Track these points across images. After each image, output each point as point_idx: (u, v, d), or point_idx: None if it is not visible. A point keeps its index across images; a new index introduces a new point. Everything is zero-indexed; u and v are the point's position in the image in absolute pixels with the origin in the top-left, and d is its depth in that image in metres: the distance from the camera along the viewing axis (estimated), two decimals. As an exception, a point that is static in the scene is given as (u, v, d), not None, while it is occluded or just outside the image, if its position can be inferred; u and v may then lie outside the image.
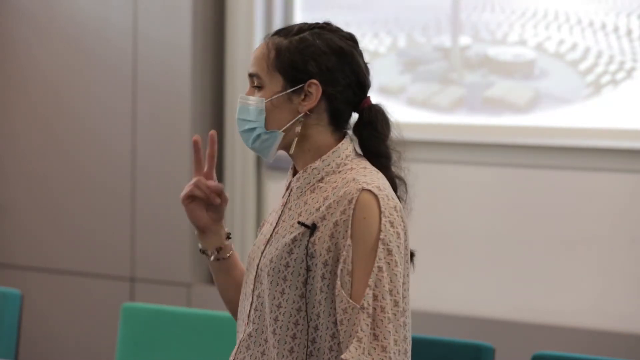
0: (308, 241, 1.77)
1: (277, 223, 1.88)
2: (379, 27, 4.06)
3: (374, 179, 1.80)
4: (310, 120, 1.85)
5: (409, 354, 1.81)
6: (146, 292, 4.17)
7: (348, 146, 1.87)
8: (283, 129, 1.84)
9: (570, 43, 3.78)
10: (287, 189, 1.92)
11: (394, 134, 1.94)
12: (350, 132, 1.91)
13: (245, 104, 1.86)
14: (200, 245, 2.04)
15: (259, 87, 1.85)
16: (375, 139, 1.88)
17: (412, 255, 1.87)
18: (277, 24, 4.15)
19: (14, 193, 4.44)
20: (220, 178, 4.24)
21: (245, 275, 1.95)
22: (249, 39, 4.10)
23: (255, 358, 1.84)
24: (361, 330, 1.71)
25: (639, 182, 3.62)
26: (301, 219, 1.80)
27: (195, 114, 4.12)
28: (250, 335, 1.86)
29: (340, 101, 1.85)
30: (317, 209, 1.79)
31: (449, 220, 3.87)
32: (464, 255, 3.85)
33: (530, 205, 3.77)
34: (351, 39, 1.88)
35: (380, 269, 1.73)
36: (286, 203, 1.89)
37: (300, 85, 1.83)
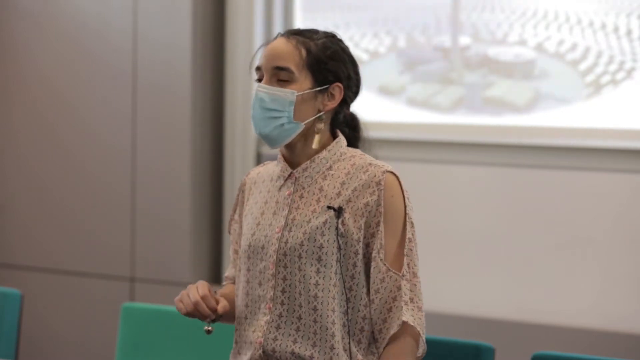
0: (338, 223, 1.97)
1: (289, 211, 2.03)
2: (379, 27, 4.06)
3: (382, 162, 2.05)
4: (326, 118, 2.06)
5: None
6: (146, 292, 4.17)
7: (342, 138, 2.10)
8: (305, 122, 2.02)
9: (570, 43, 3.78)
10: (286, 180, 2.08)
11: (370, 135, 2.17)
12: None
13: (274, 93, 2.02)
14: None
15: (287, 81, 2.02)
16: (357, 141, 2.14)
17: None
18: (277, 24, 4.16)
19: (14, 193, 4.45)
20: (220, 178, 4.24)
21: (245, 264, 2.09)
22: (249, 39, 4.11)
23: (289, 335, 2.00)
24: (405, 294, 1.96)
25: (639, 182, 3.62)
26: (322, 204, 2.00)
27: (195, 114, 4.12)
28: (280, 316, 2.01)
29: (347, 105, 2.09)
30: (338, 194, 2.00)
31: (448, 220, 3.87)
32: (464, 255, 3.85)
33: (530, 205, 3.77)
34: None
35: (410, 239, 1.99)
36: (294, 192, 2.05)
37: (326, 86, 2.03)
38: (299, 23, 4.13)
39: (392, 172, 2.01)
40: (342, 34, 2.15)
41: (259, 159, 4.16)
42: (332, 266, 1.97)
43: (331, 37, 2.08)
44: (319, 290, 1.97)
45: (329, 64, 2.03)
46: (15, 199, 4.44)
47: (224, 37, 4.18)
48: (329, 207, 1.98)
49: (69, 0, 4.28)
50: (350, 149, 2.09)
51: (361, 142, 2.13)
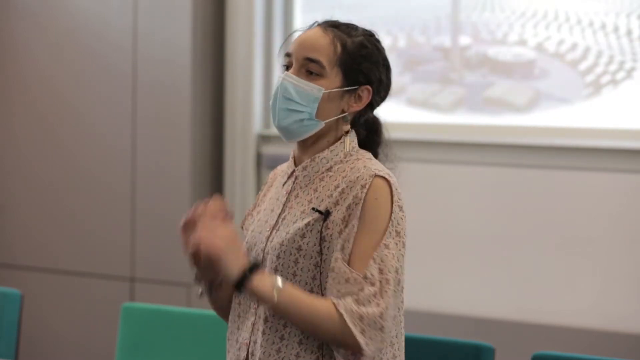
0: (321, 226, 1.84)
1: (282, 209, 1.94)
2: (378, 27, 4.02)
3: (381, 166, 1.91)
4: (344, 119, 1.95)
5: (402, 348, 1.94)
6: (146, 292, 4.17)
7: (354, 139, 1.96)
8: (327, 121, 1.92)
9: (570, 43, 3.78)
10: (289, 177, 1.98)
11: (390, 138, 2.06)
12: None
13: (299, 86, 1.91)
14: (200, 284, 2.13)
15: (317, 75, 1.91)
16: (376, 144, 2.01)
17: None
18: (277, 23, 4.15)
19: (14, 193, 4.44)
20: (220, 178, 4.24)
21: None
22: (248, 38, 4.10)
23: (273, 342, 1.88)
24: (362, 292, 1.79)
25: (639, 182, 3.62)
26: (313, 206, 1.88)
27: (195, 113, 4.12)
28: (266, 320, 1.90)
29: (373, 108, 2.00)
30: (329, 196, 1.88)
31: (448, 220, 3.87)
32: (463, 255, 3.85)
33: (530, 205, 3.77)
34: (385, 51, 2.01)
35: (386, 246, 1.82)
36: (291, 190, 1.95)
37: (355, 87, 1.93)
38: (299, 22, 4.12)
39: (383, 177, 1.86)
40: None
41: (259, 159, 4.16)
42: (309, 271, 1.85)
43: (369, 36, 1.97)
44: (301, 273, 1.87)
45: (362, 65, 1.92)
46: (15, 199, 4.44)
47: (224, 36, 4.18)
48: (314, 210, 1.86)
49: (69, 0, 4.28)
50: (362, 151, 1.96)
51: (381, 146, 2.01)
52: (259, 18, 4.13)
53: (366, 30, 1.98)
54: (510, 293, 3.78)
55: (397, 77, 4.03)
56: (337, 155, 1.93)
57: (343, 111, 1.93)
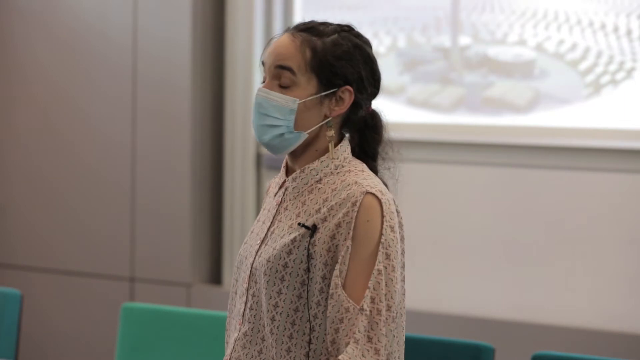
0: (308, 242, 1.77)
1: (271, 222, 1.87)
2: (378, 27, 4.06)
3: (376, 182, 1.81)
4: (332, 124, 1.85)
5: (402, 356, 1.83)
6: (146, 292, 4.17)
7: (346, 148, 1.86)
8: (309, 131, 1.83)
9: (570, 43, 3.78)
10: (280, 188, 1.91)
11: (391, 136, 1.93)
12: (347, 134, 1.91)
13: (273, 99, 1.82)
14: None
15: (288, 86, 1.82)
16: (376, 143, 1.90)
17: None
18: (277, 20, 4.15)
19: (14, 193, 4.45)
20: (220, 177, 4.24)
21: (235, 274, 1.93)
22: (249, 36, 4.11)
23: (252, 357, 1.83)
24: (359, 331, 1.72)
25: (639, 182, 3.62)
26: (300, 220, 1.80)
27: (195, 113, 4.12)
28: (245, 334, 1.85)
29: (359, 108, 1.87)
30: (317, 210, 1.79)
31: (448, 220, 3.87)
32: (463, 255, 3.85)
33: (530, 205, 3.77)
34: (369, 45, 1.88)
35: (379, 272, 1.74)
36: (281, 202, 1.88)
37: (333, 90, 1.83)
38: (299, 21, 4.12)
39: (374, 195, 1.76)
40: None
41: (259, 159, 4.16)
42: (295, 289, 1.77)
43: (344, 32, 1.84)
44: (276, 313, 1.79)
45: (336, 66, 1.81)
46: (16, 199, 4.44)
47: (224, 34, 4.18)
48: (300, 225, 1.78)
49: None
50: (355, 161, 1.85)
51: (382, 145, 1.89)
52: (259, 17, 4.13)
53: (341, 26, 1.86)
54: (510, 293, 3.78)
55: (397, 77, 4.03)
56: (327, 166, 1.83)
57: (326, 117, 1.83)
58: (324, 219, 1.77)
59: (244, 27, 4.11)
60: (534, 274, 3.75)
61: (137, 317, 2.75)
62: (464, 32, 3.95)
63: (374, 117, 1.90)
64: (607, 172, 3.66)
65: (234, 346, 1.87)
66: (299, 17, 4.15)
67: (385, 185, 1.87)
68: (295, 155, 1.87)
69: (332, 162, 1.83)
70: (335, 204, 1.77)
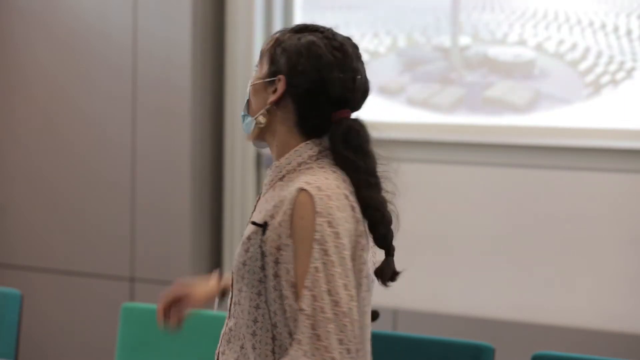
0: (260, 240, 1.77)
1: (249, 221, 1.88)
2: (378, 27, 4.06)
3: (321, 178, 1.79)
4: (278, 117, 1.86)
5: (366, 351, 1.83)
6: (146, 292, 4.17)
7: (313, 147, 1.85)
8: (255, 116, 1.88)
9: (570, 43, 3.78)
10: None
11: (370, 149, 1.87)
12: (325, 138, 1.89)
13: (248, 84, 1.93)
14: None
15: (257, 70, 1.91)
16: (339, 157, 1.84)
17: (384, 267, 1.83)
18: (277, 20, 4.15)
19: (15, 193, 4.44)
20: (220, 177, 4.24)
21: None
22: (248, 35, 4.11)
23: (235, 352, 1.85)
24: (301, 332, 1.71)
25: (639, 182, 3.62)
26: (259, 217, 1.80)
27: (195, 112, 4.12)
28: (231, 329, 1.87)
29: (305, 105, 1.84)
30: (268, 208, 1.80)
31: (448, 220, 3.87)
32: (463, 255, 3.85)
33: (530, 205, 3.77)
34: (341, 50, 1.85)
35: (316, 269, 1.72)
36: (258, 200, 1.90)
37: (273, 78, 1.86)
38: (299, 22, 4.12)
39: (307, 191, 1.74)
40: (342, 34, 1.91)
41: (259, 159, 4.16)
42: (253, 286, 1.78)
43: (317, 33, 1.86)
44: (240, 311, 1.82)
45: (277, 55, 1.85)
46: (16, 199, 4.44)
47: (224, 34, 4.18)
48: (252, 223, 1.79)
49: None
50: (324, 161, 1.83)
51: (353, 154, 1.83)
52: (259, 17, 4.13)
53: (311, 26, 1.88)
54: (510, 293, 3.78)
55: (397, 77, 4.03)
56: (289, 163, 1.84)
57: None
58: (272, 217, 1.77)
59: (244, 27, 4.11)
60: (534, 274, 3.75)
61: (137, 317, 2.75)
62: (464, 32, 3.95)
63: (341, 126, 1.85)
64: (607, 172, 3.66)
65: (220, 340, 1.89)
66: (299, 17, 4.15)
67: (363, 190, 1.82)
68: (270, 147, 1.91)
69: (295, 159, 1.84)
70: (280, 201, 1.77)
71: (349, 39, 1.90)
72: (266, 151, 4.13)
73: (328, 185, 1.77)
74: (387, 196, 1.86)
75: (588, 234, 3.68)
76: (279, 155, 1.87)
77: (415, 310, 3.82)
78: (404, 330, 3.72)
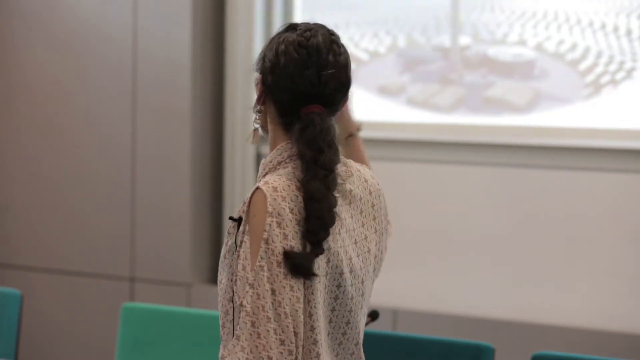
0: (236, 234, 1.81)
1: None
2: (378, 27, 4.06)
3: (282, 179, 1.81)
4: (267, 115, 1.93)
5: (319, 352, 1.79)
6: (146, 292, 4.17)
7: (292, 147, 1.87)
8: (254, 109, 1.95)
9: (570, 43, 3.78)
10: None
11: (328, 144, 1.84)
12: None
13: None
14: None
15: None
16: (299, 145, 1.85)
17: (303, 259, 1.77)
18: (277, 21, 4.16)
19: (15, 193, 4.44)
20: (220, 178, 4.24)
21: None
22: (248, 34, 4.11)
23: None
24: (240, 328, 1.72)
25: (639, 182, 3.62)
26: (236, 212, 1.84)
27: (195, 112, 4.12)
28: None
29: (278, 102, 1.88)
30: (242, 204, 1.84)
31: (448, 220, 3.87)
32: (463, 255, 3.85)
33: (530, 205, 3.77)
34: (305, 47, 1.87)
35: (261, 268, 1.74)
36: None
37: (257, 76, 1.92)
38: (299, 21, 4.12)
39: (262, 190, 1.78)
40: (342, 34, 1.96)
41: (259, 159, 4.16)
42: (229, 279, 1.80)
43: (287, 31, 1.91)
44: (218, 302, 1.84)
45: (258, 56, 1.91)
46: (17, 199, 4.44)
47: (224, 33, 4.18)
48: (230, 217, 1.83)
49: None
50: (301, 161, 1.84)
51: (309, 149, 1.83)
52: (259, 17, 4.13)
53: (291, 24, 1.93)
54: (510, 293, 3.78)
55: (397, 77, 4.03)
56: (271, 162, 1.91)
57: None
58: (244, 212, 1.81)
59: (244, 27, 4.11)
60: (533, 274, 3.75)
61: (137, 317, 2.75)
62: (464, 32, 3.95)
63: (305, 119, 1.85)
64: (607, 172, 3.66)
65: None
66: (299, 16, 4.15)
67: (322, 187, 1.80)
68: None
69: (276, 158, 1.89)
70: (246, 198, 1.82)
71: (329, 34, 1.90)
72: (266, 151, 4.15)
73: (286, 186, 1.80)
74: (336, 198, 1.82)
75: (588, 234, 3.68)
76: (270, 151, 1.93)
77: (415, 310, 3.82)
78: (404, 330, 3.72)
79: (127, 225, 4.22)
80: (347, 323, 1.86)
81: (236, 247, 1.79)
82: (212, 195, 4.24)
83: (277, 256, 1.74)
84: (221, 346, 1.82)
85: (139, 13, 4.15)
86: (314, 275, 1.76)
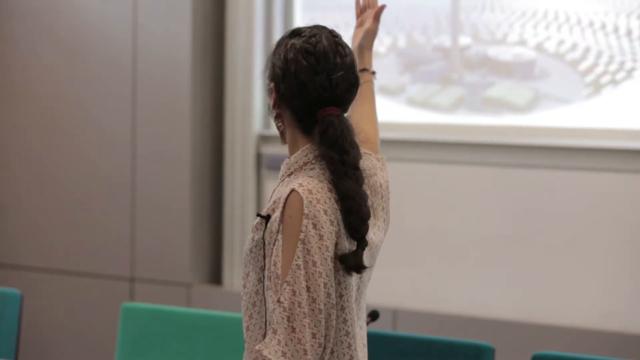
0: (263, 231, 1.89)
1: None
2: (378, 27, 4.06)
3: (315, 181, 1.89)
4: (284, 118, 1.97)
5: (350, 345, 1.90)
6: (146, 292, 4.17)
7: (318, 148, 1.93)
8: (272, 113, 2.00)
9: (570, 43, 3.78)
10: None
11: (350, 144, 1.92)
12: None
13: None
14: None
15: None
16: (319, 151, 1.93)
17: (352, 256, 1.87)
18: (277, 20, 4.16)
19: (16, 193, 4.45)
20: (220, 178, 4.24)
21: None
22: (249, 34, 4.11)
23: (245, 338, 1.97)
24: (277, 322, 1.82)
25: (639, 182, 3.62)
26: (264, 208, 1.92)
27: (195, 113, 4.12)
28: (250, 317, 1.97)
29: (293, 107, 1.95)
30: (272, 202, 1.93)
31: (448, 220, 3.87)
32: (463, 255, 3.85)
33: (530, 205, 3.77)
34: (314, 53, 1.93)
35: (298, 266, 1.83)
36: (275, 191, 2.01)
37: (270, 83, 1.98)
38: (299, 21, 4.13)
39: (298, 193, 1.85)
40: (342, 34, 1.99)
41: (259, 159, 4.16)
42: (257, 273, 1.91)
43: (294, 37, 1.96)
44: (244, 294, 1.93)
45: (271, 60, 1.98)
46: (17, 200, 4.44)
47: (224, 32, 4.18)
48: (258, 214, 1.92)
49: None
50: (328, 162, 1.91)
51: (333, 150, 1.90)
52: (259, 15, 4.13)
53: (296, 29, 1.99)
54: (510, 293, 3.78)
55: (397, 77, 4.03)
56: (296, 162, 1.95)
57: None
58: (273, 211, 1.90)
59: (244, 26, 4.11)
60: (533, 274, 3.75)
61: (137, 317, 2.75)
62: (464, 32, 3.95)
63: (323, 123, 1.92)
64: (607, 172, 3.66)
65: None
66: (299, 16, 4.15)
67: (344, 188, 1.88)
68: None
69: (301, 159, 1.94)
70: (278, 198, 1.90)
71: (332, 36, 1.96)
72: (266, 151, 4.15)
73: (320, 189, 1.88)
74: (367, 192, 1.93)
75: (588, 234, 3.68)
76: (290, 152, 1.97)
77: (415, 310, 3.82)
78: (404, 330, 3.72)
79: (127, 225, 4.22)
80: (364, 311, 1.99)
81: (264, 243, 1.88)
82: (212, 195, 4.24)
83: (312, 256, 1.83)
84: (247, 335, 1.91)
85: (139, 11, 4.15)
86: (365, 268, 1.87)
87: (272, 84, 1.95)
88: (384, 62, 4.03)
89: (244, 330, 1.92)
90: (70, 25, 4.28)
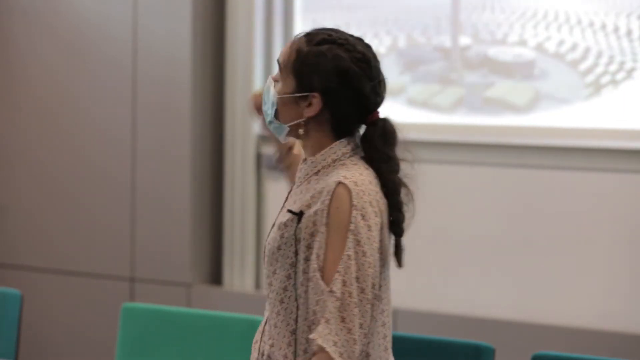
0: (295, 227, 1.92)
1: (281, 208, 2.02)
2: (379, 27, 4.06)
3: (355, 174, 1.93)
4: (313, 125, 1.98)
5: (386, 336, 1.97)
6: (146, 292, 4.17)
7: (347, 145, 1.99)
8: (289, 124, 2.00)
9: (570, 43, 3.78)
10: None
11: (398, 147, 2.07)
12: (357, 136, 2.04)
13: (269, 88, 2.02)
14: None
15: (277, 79, 2.01)
16: (374, 151, 2.01)
17: (399, 250, 2.00)
18: (277, 20, 4.16)
19: (16, 193, 4.45)
20: (221, 178, 4.24)
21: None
22: (249, 34, 4.11)
23: (270, 338, 1.98)
24: (329, 312, 1.85)
25: (639, 182, 3.62)
26: (295, 206, 1.94)
27: (195, 112, 4.12)
28: (269, 319, 2.00)
29: (341, 115, 1.98)
30: (306, 199, 1.95)
31: (448, 220, 3.87)
32: (464, 255, 3.85)
33: (530, 205, 3.77)
34: (364, 61, 1.98)
35: (349, 257, 1.87)
36: (291, 191, 2.04)
37: (306, 94, 1.97)
38: (299, 21, 4.13)
39: (345, 185, 1.89)
40: (353, 37, 2.01)
41: (259, 159, 4.16)
42: (286, 270, 1.94)
43: (337, 45, 1.97)
44: (270, 291, 1.97)
45: (307, 72, 1.96)
46: (17, 200, 4.44)
47: (225, 32, 4.18)
48: (289, 211, 1.94)
49: None
50: (356, 158, 1.98)
51: (389, 152, 2.02)
52: (259, 15, 4.13)
53: (328, 37, 1.98)
54: (510, 293, 3.78)
55: (397, 77, 4.03)
56: (324, 159, 1.98)
57: (303, 115, 1.98)
58: (309, 206, 1.92)
59: (244, 25, 4.11)
60: (534, 274, 3.75)
61: (137, 317, 2.75)
62: (464, 32, 3.95)
63: (375, 128, 2.02)
64: (607, 172, 3.66)
65: (262, 329, 2.02)
66: (299, 16, 4.15)
67: (393, 186, 1.98)
68: (304, 146, 2.03)
69: (330, 156, 1.98)
70: (317, 192, 1.92)
71: (361, 41, 2.02)
72: (266, 151, 4.15)
73: (362, 181, 1.92)
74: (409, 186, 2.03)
75: (588, 234, 3.68)
76: (314, 152, 1.99)
77: (415, 310, 3.82)
78: (404, 330, 3.72)
79: (128, 225, 4.22)
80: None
81: (295, 239, 1.91)
82: (212, 195, 4.24)
83: (362, 247, 1.88)
84: (275, 331, 1.94)
85: (139, 11, 4.15)
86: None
87: (315, 95, 1.95)
88: (384, 62, 4.02)
89: (272, 328, 1.95)
90: (70, 25, 4.28)
